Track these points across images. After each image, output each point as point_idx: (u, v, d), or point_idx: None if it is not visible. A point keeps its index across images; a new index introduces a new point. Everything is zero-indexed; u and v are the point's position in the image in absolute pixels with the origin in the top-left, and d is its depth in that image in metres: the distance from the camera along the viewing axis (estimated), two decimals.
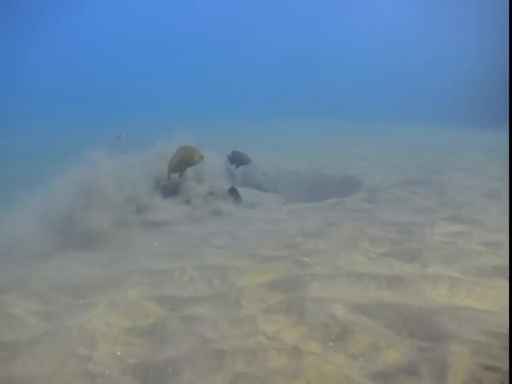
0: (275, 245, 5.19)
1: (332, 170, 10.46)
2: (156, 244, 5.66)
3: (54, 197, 6.40)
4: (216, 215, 7.00)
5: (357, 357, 2.90)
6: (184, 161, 6.47)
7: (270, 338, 3.07)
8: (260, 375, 2.73)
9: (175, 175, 7.02)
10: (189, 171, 7.38)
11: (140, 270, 4.59)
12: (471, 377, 2.61)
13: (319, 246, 5.05)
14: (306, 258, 4.64)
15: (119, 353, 3.13)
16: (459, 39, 31.44)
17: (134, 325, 3.51)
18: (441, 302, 3.52)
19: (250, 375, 2.74)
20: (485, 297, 3.57)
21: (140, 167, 7.55)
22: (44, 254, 5.41)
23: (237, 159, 8.32)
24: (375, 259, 4.59)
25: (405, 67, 38.54)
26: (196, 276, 4.37)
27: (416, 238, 5.14)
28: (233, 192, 7.58)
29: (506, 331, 2.99)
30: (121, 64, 58.05)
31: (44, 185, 6.65)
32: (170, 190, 7.63)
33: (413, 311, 3.37)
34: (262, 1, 62.46)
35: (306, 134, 19.75)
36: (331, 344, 3.03)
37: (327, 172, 10.35)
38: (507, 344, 2.84)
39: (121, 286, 4.29)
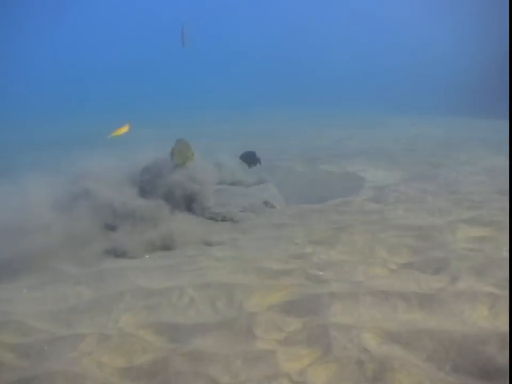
0: (282, 255, 4.77)
1: (329, 166, 10.05)
2: (147, 256, 5.20)
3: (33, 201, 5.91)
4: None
5: None
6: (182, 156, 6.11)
7: (296, 383, 2.65)
8: None
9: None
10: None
11: (132, 291, 4.12)
12: None
13: (331, 256, 4.64)
14: (321, 272, 4.23)
15: None
16: (453, 31, 31.39)
17: (130, 364, 3.06)
18: (485, 326, 3.15)
19: None
20: None
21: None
22: (18, 270, 4.90)
23: (249, 159, 7.97)
24: (397, 272, 4.20)
25: (398, 58, 38.40)
26: (197, 296, 3.92)
27: (437, 244, 4.77)
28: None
29: None
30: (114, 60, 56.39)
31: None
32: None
33: (455, 339, 2.98)
34: None
35: (296, 128, 19.30)
36: None
37: (325, 168, 9.92)
38: None
39: (112, 310, 3.83)
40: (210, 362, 2.93)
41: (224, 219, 6.34)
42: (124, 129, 5.83)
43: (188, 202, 6.55)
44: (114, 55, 57.84)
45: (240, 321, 3.41)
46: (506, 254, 4.37)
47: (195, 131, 16.44)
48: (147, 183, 6.62)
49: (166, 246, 5.35)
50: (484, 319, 3.25)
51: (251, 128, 18.88)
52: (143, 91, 39.27)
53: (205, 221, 6.31)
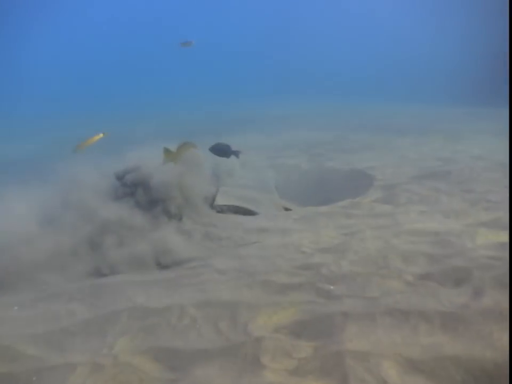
0: (289, 266, 4.48)
1: (336, 163, 9.74)
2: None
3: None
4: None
5: None
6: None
7: None
8: None
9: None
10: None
11: (129, 310, 3.85)
12: None
13: (343, 267, 4.35)
14: (332, 287, 3.94)
15: None
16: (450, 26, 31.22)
17: None
18: None
19: None
20: None
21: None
22: (9, 284, 4.66)
23: (220, 152, 7.38)
24: (415, 285, 3.90)
25: (400, 49, 38.13)
26: (199, 316, 3.65)
27: (456, 252, 4.47)
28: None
29: None
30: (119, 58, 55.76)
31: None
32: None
33: (486, 368, 2.70)
34: None
35: (298, 120, 18.97)
36: None
37: (331, 165, 9.62)
38: None
39: (107, 333, 3.57)
40: None
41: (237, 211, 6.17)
42: (94, 139, 5.56)
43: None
44: (122, 52, 57.31)
45: (246, 348, 3.13)
46: None
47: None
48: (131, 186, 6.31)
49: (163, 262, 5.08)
50: None
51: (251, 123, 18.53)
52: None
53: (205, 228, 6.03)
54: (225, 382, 2.82)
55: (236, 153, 7.02)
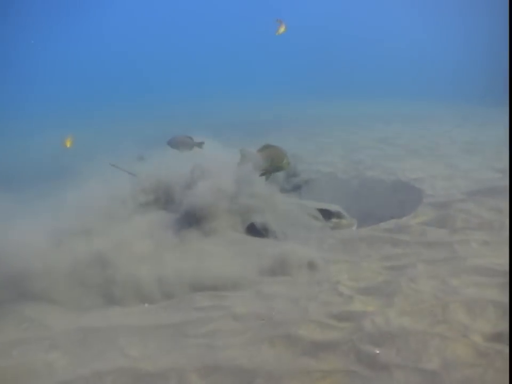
0: (322, 314, 3.65)
1: (378, 172, 8.79)
2: (146, 304, 4.21)
3: None
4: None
5: None
6: (274, 164, 5.42)
7: None
8: None
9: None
10: None
11: (117, 372, 3.11)
12: None
13: (390, 319, 3.49)
14: (377, 351, 3.10)
15: None
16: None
17: None
18: None
19: None
20: None
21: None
22: None
23: (179, 144, 6.91)
24: (487, 353, 3.00)
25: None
26: None
27: None
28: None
29: None
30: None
31: None
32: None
33: None
34: None
35: (333, 124, 17.97)
36: None
37: (373, 174, 8.67)
38: None
39: None
40: None
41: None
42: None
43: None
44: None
45: None
46: None
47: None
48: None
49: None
50: None
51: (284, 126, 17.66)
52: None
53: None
54: None
55: (199, 145, 6.88)
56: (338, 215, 6.64)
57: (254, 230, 5.76)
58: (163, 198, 6.57)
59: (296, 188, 8.44)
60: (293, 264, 4.64)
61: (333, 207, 6.78)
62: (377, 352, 3.09)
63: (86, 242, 4.86)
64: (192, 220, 5.72)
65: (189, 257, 4.91)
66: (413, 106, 22.09)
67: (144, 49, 55.12)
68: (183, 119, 18.74)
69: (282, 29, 7.86)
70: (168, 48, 56.55)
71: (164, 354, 3.31)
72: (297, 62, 45.93)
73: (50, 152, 11.53)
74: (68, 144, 6.69)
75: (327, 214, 6.57)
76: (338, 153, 11.21)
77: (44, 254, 4.52)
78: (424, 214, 6.07)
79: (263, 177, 5.40)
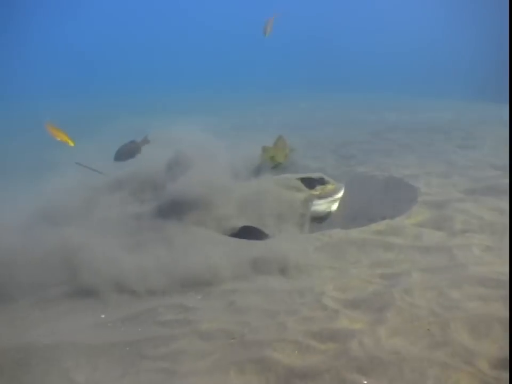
0: (302, 333, 3.16)
1: (368, 167, 8.29)
2: (102, 315, 3.70)
3: None
4: None
5: None
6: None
7: None
8: None
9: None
10: None
11: None
12: None
13: (381, 340, 3.00)
14: (365, 382, 2.61)
15: None
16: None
17: None
18: None
19: None
20: None
21: None
22: None
23: (128, 154, 6.96)
24: None
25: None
26: None
27: None
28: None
29: None
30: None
31: None
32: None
33: None
34: None
35: (325, 114, 17.45)
36: None
37: (363, 170, 8.18)
38: None
39: None
40: None
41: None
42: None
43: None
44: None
45: None
46: None
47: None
48: None
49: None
50: None
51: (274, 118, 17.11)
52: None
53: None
54: None
55: (145, 142, 7.29)
56: (322, 182, 6.46)
57: (248, 233, 5.21)
58: (137, 191, 6.14)
59: None
60: (272, 270, 4.14)
61: (315, 174, 6.61)
62: (365, 383, 2.60)
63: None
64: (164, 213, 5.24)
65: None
66: (409, 100, 21.63)
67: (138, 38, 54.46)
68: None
69: (269, 30, 7.90)
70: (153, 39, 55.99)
71: (114, 381, 2.80)
72: (303, 53, 45.28)
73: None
74: (71, 143, 6.41)
75: (310, 183, 6.33)
76: (329, 147, 10.71)
77: None
78: (419, 214, 5.58)
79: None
